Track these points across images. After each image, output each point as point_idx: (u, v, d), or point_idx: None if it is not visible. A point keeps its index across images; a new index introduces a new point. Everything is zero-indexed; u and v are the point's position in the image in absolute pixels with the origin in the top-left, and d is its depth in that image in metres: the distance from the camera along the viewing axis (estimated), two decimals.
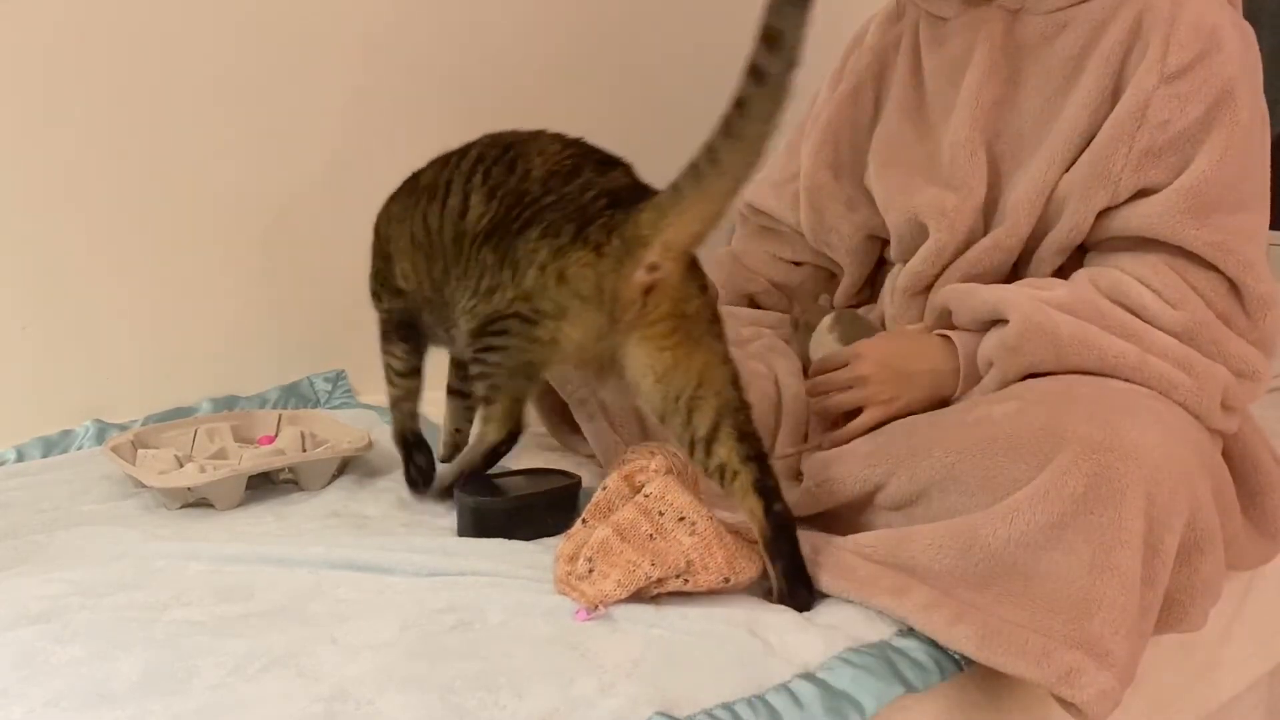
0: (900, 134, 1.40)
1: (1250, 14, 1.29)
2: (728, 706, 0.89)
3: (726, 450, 1.07)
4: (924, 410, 1.23)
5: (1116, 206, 1.23)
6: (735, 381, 1.09)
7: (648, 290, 1.08)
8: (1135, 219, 1.21)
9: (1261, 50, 1.26)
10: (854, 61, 1.49)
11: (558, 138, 1.22)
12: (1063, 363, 1.16)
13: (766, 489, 1.05)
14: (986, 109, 1.31)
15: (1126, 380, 1.15)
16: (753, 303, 1.60)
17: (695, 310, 1.10)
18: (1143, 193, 1.21)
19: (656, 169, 1.98)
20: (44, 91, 1.49)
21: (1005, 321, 1.18)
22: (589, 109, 2.00)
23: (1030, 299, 1.18)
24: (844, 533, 1.15)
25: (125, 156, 1.56)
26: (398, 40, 1.78)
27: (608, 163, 1.18)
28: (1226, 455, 1.20)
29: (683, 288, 1.09)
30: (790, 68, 0.99)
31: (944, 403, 1.24)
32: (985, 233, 1.31)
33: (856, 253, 1.46)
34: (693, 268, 1.10)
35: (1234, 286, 1.18)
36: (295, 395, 1.70)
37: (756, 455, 1.07)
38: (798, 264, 1.58)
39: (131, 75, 1.55)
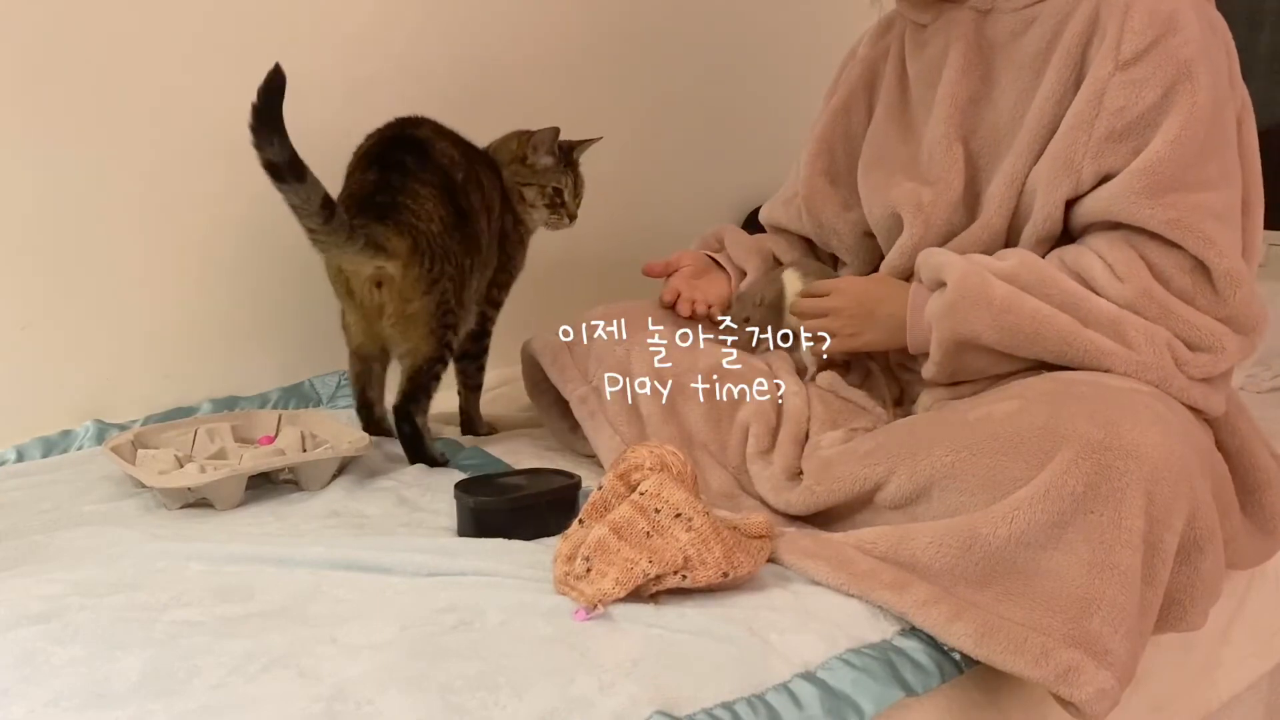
0: (886, 136, 1.43)
1: (1250, 14, 1.30)
2: (727, 706, 0.89)
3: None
4: (882, 349, 1.36)
5: (1081, 195, 1.24)
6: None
7: (378, 283, 1.38)
8: (1096, 203, 1.22)
9: (1261, 50, 1.26)
10: (846, 74, 1.53)
11: (379, 132, 1.46)
12: (998, 326, 1.19)
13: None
14: (962, 106, 1.34)
15: (1060, 349, 1.17)
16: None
17: (416, 310, 1.39)
18: (1105, 179, 1.22)
19: (655, 166, 1.99)
20: (43, 92, 1.49)
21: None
22: (585, 104, 2.00)
23: (970, 264, 1.22)
24: (844, 531, 1.15)
25: (125, 156, 1.56)
26: (397, 37, 1.78)
27: (370, 158, 1.40)
28: (1224, 453, 1.21)
29: (408, 288, 1.37)
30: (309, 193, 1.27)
31: (901, 346, 1.32)
32: (965, 224, 1.33)
33: (857, 250, 1.49)
34: (421, 270, 1.37)
35: (1200, 264, 1.18)
36: (296, 396, 1.70)
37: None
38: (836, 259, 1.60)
39: (131, 77, 1.55)
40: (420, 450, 1.45)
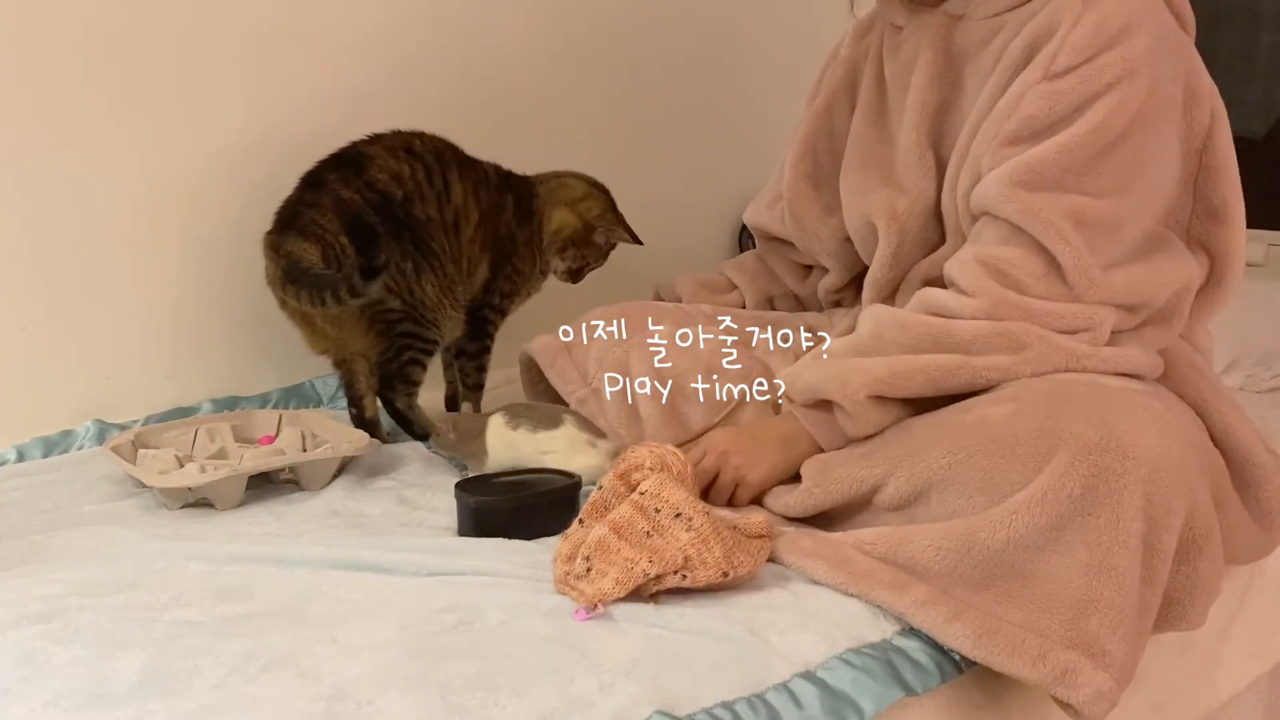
0: (864, 138, 1.43)
1: (1251, 14, 1.29)
2: (727, 706, 0.89)
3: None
4: (789, 471, 1.26)
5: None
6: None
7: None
8: (976, 189, 1.22)
9: (1261, 50, 1.25)
10: (828, 76, 1.53)
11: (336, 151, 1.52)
12: (905, 391, 1.18)
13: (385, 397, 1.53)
14: (931, 114, 1.34)
15: (968, 381, 1.16)
16: (772, 305, 1.64)
17: (337, 313, 1.43)
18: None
19: (650, 170, 1.99)
20: (43, 94, 1.49)
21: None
22: (580, 109, 2.01)
23: (836, 366, 1.20)
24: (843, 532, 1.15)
25: (125, 157, 1.56)
26: (393, 38, 1.78)
27: (304, 177, 1.46)
28: (1218, 448, 1.20)
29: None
30: None
31: (803, 457, 1.25)
32: (940, 233, 1.34)
33: (838, 255, 1.50)
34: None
35: (1054, 266, 1.16)
36: (297, 396, 1.70)
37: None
38: (808, 269, 1.60)
39: (132, 79, 1.55)
40: (411, 429, 1.54)
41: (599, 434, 1.34)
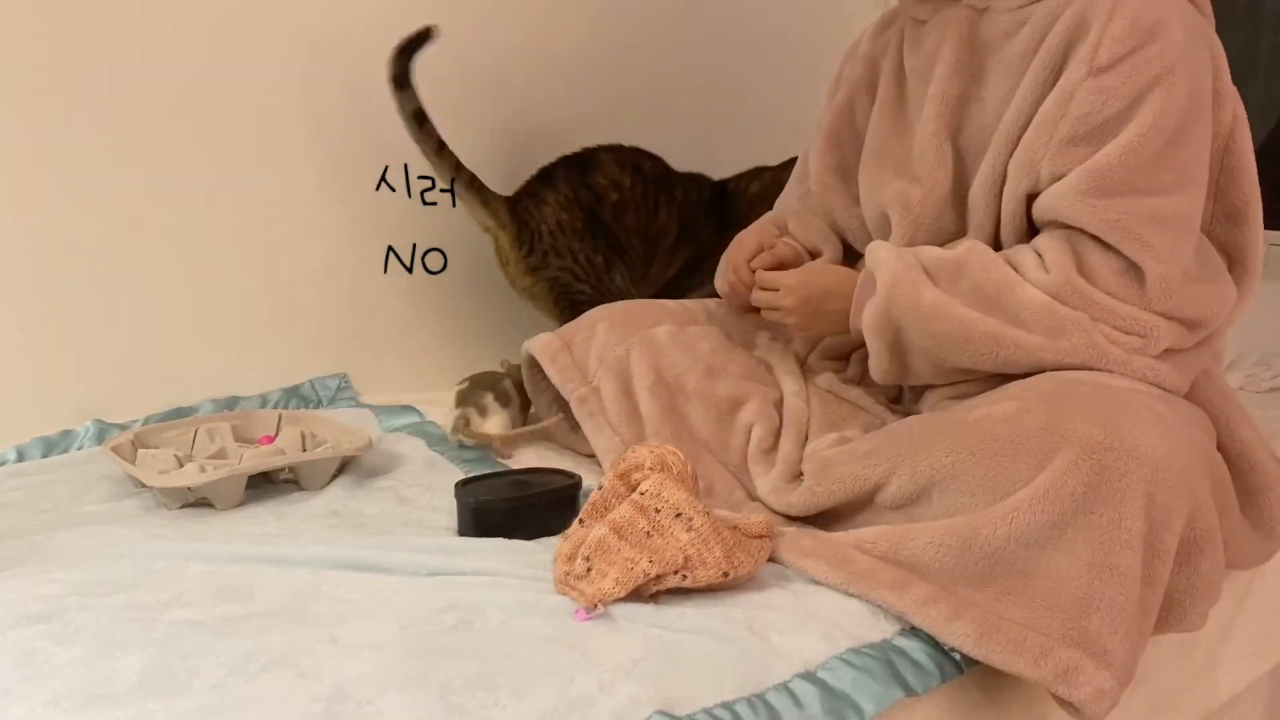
0: (882, 131, 1.43)
1: (1251, 14, 1.29)
2: (727, 706, 0.89)
3: None
4: (834, 335, 1.37)
5: (1037, 194, 1.24)
6: None
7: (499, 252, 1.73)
8: (1046, 199, 1.22)
9: (1261, 50, 1.25)
10: (848, 71, 1.53)
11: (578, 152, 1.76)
12: (927, 333, 1.21)
13: None
14: (953, 104, 1.33)
15: (991, 349, 1.18)
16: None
17: (527, 286, 1.69)
18: (1057, 179, 1.22)
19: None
20: (43, 93, 1.49)
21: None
22: (587, 102, 2.00)
23: (903, 266, 1.23)
24: (844, 531, 1.15)
25: (126, 157, 1.56)
26: (395, 37, 1.78)
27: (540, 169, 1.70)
28: (1223, 453, 1.20)
29: (513, 265, 1.72)
30: None
31: (833, 306, 1.33)
32: (958, 224, 1.34)
33: (864, 245, 1.49)
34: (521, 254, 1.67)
35: (1134, 267, 1.17)
36: (296, 396, 1.70)
37: None
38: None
39: (132, 78, 1.55)
40: None
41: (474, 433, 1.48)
